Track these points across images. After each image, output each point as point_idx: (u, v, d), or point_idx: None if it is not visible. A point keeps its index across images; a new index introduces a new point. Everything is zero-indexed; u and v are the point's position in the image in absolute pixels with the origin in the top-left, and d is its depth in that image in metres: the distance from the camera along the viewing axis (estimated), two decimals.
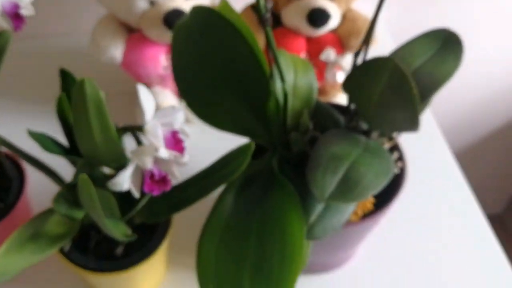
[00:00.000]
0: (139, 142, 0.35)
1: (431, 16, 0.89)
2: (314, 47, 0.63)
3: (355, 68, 0.43)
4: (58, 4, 0.79)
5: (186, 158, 0.34)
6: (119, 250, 0.45)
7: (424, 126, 0.61)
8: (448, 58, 0.47)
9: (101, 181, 0.38)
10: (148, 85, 0.65)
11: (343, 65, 0.64)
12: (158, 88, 0.64)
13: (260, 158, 0.48)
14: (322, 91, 0.67)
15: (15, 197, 0.50)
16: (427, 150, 0.68)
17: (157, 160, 0.34)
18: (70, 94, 0.39)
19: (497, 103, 1.08)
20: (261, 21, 0.38)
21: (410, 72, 0.47)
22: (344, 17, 0.64)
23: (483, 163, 1.26)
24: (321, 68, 0.65)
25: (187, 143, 0.36)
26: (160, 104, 0.63)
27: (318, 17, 0.59)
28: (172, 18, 0.56)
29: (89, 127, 0.32)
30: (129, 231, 0.43)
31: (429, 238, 0.58)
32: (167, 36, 0.58)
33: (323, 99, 0.66)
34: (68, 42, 0.81)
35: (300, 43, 0.63)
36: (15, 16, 0.41)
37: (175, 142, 0.35)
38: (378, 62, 0.40)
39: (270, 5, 0.38)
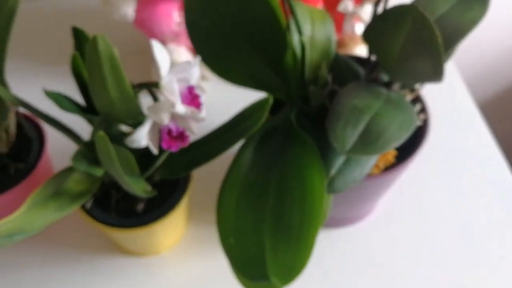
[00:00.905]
0: (155, 99, 0.34)
1: None
2: None
3: (375, 17, 0.42)
4: None
5: (203, 113, 0.34)
6: (140, 207, 0.46)
7: (447, 77, 0.59)
8: (474, 5, 0.44)
9: (119, 139, 0.38)
10: (162, 42, 0.64)
11: (362, 16, 0.62)
12: (172, 45, 0.63)
13: (279, 112, 0.47)
14: (340, 43, 0.65)
15: (36, 158, 0.50)
16: (450, 101, 0.67)
17: (174, 116, 0.34)
18: (84, 52, 0.39)
19: None
20: None
21: (433, 20, 0.45)
22: None
23: (509, 114, 1.23)
24: (339, 20, 0.63)
25: (203, 99, 0.35)
26: (175, 62, 0.62)
27: None
28: None
29: (104, 84, 0.31)
30: (149, 188, 0.43)
31: (452, 193, 0.58)
32: None
33: (342, 52, 0.64)
34: (80, 0, 0.80)
35: None
36: None
37: (192, 97, 0.34)
38: (400, 10, 0.38)
39: None
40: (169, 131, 0.34)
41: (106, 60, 0.30)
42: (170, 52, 0.63)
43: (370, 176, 0.45)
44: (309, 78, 0.48)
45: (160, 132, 0.34)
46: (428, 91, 0.50)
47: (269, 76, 0.45)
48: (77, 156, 0.37)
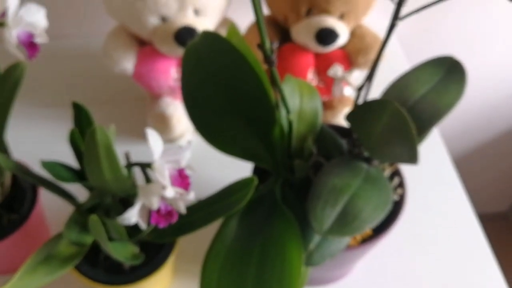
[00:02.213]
0: (147, 177, 0.37)
1: (442, 27, 0.89)
2: (323, 62, 0.64)
3: (358, 106, 0.45)
4: (73, 7, 0.80)
5: (191, 195, 0.36)
6: (127, 265, 0.48)
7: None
8: (451, 88, 0.48)
9: (111, 207, 0.40)
10: (159, 95, 0.66)
11: (350, 81, 0.65)
12: (168, 99, 0.66)
13: (265, 181, 0.49)
14: (329, 105, 0.68)
15: (29, 208, 0.52)
16: (427, 158, 0.69)
17: (164, 196, 0.36)
18: (81, 123, 0.41)
19: (500, 108, 1.09)
20: (267, 62, 0.39)
21: (412, 102, 0.48)
22: (353, 34, 0.64)
23: (489, 164, 1.27)
24: (329, 83, 0.66)
25: (192, 177, 0.38)
26: (171, 115, 0.65)
27: (326, 36, 0.60)
28: (183, 35, 0.58)
29: (100, 167, 0.34)
30: (136, 250, 0.45)
31: (429, 256, 0.60)
32: (178, 51, 0.60)
33: (331, 114, 0.67)
34: (85, 44, 0.83)
35: (308, 58, 0.64)
36: (30, 45, 0.43)
37: (182, 178, 0.37)
38: (380, 103, 0.41)
39: (275, 46, 0.39)
40: (158, 209, 0.36)
41: (103, 148, 0.33)
42: (166, 106, 0.65)
43: (347, 247, 0.47)
44: (296, 148, 0.50)
45: (149, 210, 0.37)
46: None
47: (257, 148, 0.47)
48: (69, 224, 0.39)
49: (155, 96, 0.67)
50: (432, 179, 0.68)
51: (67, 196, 0.44)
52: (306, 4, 0.60)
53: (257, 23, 0.36)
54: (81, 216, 0.41)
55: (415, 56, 0.88)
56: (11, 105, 0.41)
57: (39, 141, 0.70)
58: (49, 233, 0.60)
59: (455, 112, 1.04)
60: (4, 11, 0.43)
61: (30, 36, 0.43)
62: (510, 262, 1.47)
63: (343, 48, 0.65)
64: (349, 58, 0.64)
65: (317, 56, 0.64)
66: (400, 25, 0.86)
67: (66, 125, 0.72)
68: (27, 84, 0.77)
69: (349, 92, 0.68)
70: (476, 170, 1.28)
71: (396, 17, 0.40)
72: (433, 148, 0.72)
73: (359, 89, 0.46)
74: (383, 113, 0.41)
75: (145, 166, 0.36)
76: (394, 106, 0.40)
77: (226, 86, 0.46)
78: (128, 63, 0.62)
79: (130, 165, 0.37)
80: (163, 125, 0.65)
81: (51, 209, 0.57)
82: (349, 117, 0.45)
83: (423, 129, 0.46)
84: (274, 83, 0.42)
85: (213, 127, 0.47)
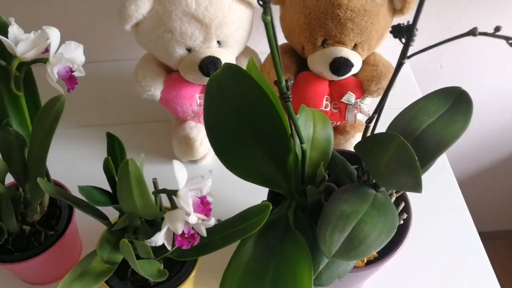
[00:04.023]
0: (172, 203, 0.41)
1: (449, 47, 0.92)
2: (337, 89, 0.68)
3: (366, 137, 0.48)
4: (108, 34, 0.86)
5: (212, 221, 0.40)
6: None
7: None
8: (457, 119, 0.50)
9: (139, 229, 0.45)
10: (184, 119, 0.71)
11: (362, 107, 0.69)
12: (192, 123, 0.70)
13: (280, 204, 0.53)
14: (343, 130, 0.72)
15: (65, 226, 0.57)
16: (433, 180, 0.71)
17: (187, 222, 0.40)
18: (114, 152, 0.46)
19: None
20: (282, 98, 0.43)
21: (420, 130, 0.51)
22: (366, 62, 0.68)
23: (495, 182, 1.28)
24: (343, 109, 0.69)
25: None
26: (195, 138, 0.69)
27: (340, 66, 0.63)
28: (207, 65, 0.62)
29: (131, 195, 0.38)
30: (161, 267, 0.49)
31: (433, 275, 0.63)
32: (202, 79, 0.64)
33: (344, 138, 0.71)
34: (116, 67, 0.88)
35: (323, 86, 0.68)
36: (69, 79, 0.48)
37: (203, 205, 0.41)
38: (386, 136, 0.44)
39: (290, 83, 0.43)
40: (182, 233, 0.40)
41: (134, 178, 0.37)
42: (190, 129, 0.70)
43: (353, 269, 0.50)
44: (309, 174, 0.54)
45: (174, 233, 0.41)
46: None
47: (273, 174, 0.51)
48: (101, 244, 0.43)
49: (180, 120, 0.72)
50: (439, 202, 0.70)
51: (100, 216, 0.48)
52: (322, 36, 0.64)
53: (274, 63, 0.40)
54: (112, 236, 0.46)
55: (427, 82, 0.91)
56: (51, 136, 0.46)
57: (76, 159, 0.75)
58: (82, 248, 0.64)
59: (479, 126, 1.06)
60: (47, 47, 0.48)
61: (69, 71, 0.48)
62: None
63: (356, 75, 0.68)
64: (362, 86, 0.68)
65: (332, 83, 0.68)
66: (411, 50, 0.89)
67: (99, 144, 0.77)
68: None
69: (361, 118, 0.72)
70: (482, 188, 1.29)
71: (403, 57, 0.43)
72: (440, 170, 0.74)
73: (368, 122, 0.49)
74: (389, 145, 0.44)
75: (171, 193, 0.40)
76: (400, 140, 0.43)
77: (245, 115, 0.50)
78: (156, 90, 0.67)
79: (157, 192, 0.41)
80: (187, 147, 0.70)
81: (84, 226, 0.62)
82: (358, 148, 0.49)
83: (428, 159, 0.49)
84: (289, 116, 0.46)
85: (232, 154, 0.51)
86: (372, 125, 0.50)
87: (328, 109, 0.69)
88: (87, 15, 0.83)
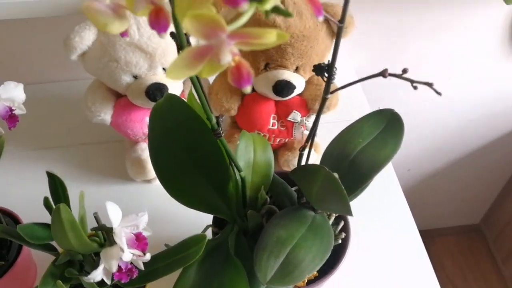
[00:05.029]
0: (110, 239, 0.43)
1: (397, 59, 0.95)
2: (283, 109, 0.70)
3: (298, 167, 0.51)
4: (56, 55, 0.86)
5: (147, 256, 0.42)
6: None
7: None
8: (389, 142, 0.53)
9: (83, 261, 0.47)
10: (135, 141, 0.72)
11: (308, 125, 0.72)
12: (144, 144, 0.72)
13: (222, 229, 0.55)
14: (290, 147, 0.74)
15: (15, 255, 0.58)
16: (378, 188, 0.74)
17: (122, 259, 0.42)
18: (56, 190, 0.47)
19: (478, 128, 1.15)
20: (214, 134, 0.45)
21: (355, 154, 0.54)
22: (310, 81, 0.70)
23: (463, 180, 1.33)
24: (289, 127, 0.72)
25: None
26: (146, 159, 0.71)
27: (283, 88, 0.66)
28: (153, 91, 0.64)
29: (66, 238, 0.40)
30: None
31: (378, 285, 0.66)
32: (150, 105, 0.66)
33: (292, 155, 0.73)
34: (67, 88, 0.89)
35: (269, 106, 0.70)
36: (10, 118, 0.49)
37: (139, 241, 0.43)
38: (313, 168, 0.47)
39: (222, 118, 0.45)
40: (119, 268, 0.42)
41: (68, 223, 0.39)
42: (141, 151, 0.71)
43: None
44: (251, 198, 0.56)
45: None
46: None
47: (215, 201, 0.53)
48: (45, 279, 0.45)
49: (132, 141, 0.73)
50: (383, 211, 0.74)
51: (47, 249, 0.50)
52: (264, 60, 0.66)
53: (201, 104, 0.42)
54: (57, 269, 0.47)
55: (376, 90, 0.94)
56: None
57: (30, 182, 0.76)
58: (37, 273, 0.66)
59: (430, 132, 1.10)
60: None
61: (9, 110, 0.49)
62: (482, 269, 1.54)
63: (301, 94, 0.71)
64: (307, 104, 0.70)
65: (278, 102, 0.70)
66: (357, 61, 0.92)
67: (54, 166, 0.77)
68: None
69: (307, 134, 0.74)
70: (451, 184, 1.34)
71: (326, 92, 0.46)
72: (384, 179, 0.77)
73: (301, 150, 0.51)
74: (317, 176, 0.47)
75: (107, 231, 0.42)
76: (326, 171, 0.46)
77: (187, 145, 0.52)
78: (105, 115, 0.68)
79: (95, 229, 0.43)
80: (139, 168, 0.71)
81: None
82: (292, 174, 0.51)
83: (362, 181, 0.52)
84: (224, 149, 0.48)
85: (175, 182, 0.53)
86: (305, 152, 0.52)
87: (275, 127, 0.72)
88: (39, 35, 0.84)
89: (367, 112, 0.86)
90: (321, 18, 0.25)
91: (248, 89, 0.23)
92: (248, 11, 0.21)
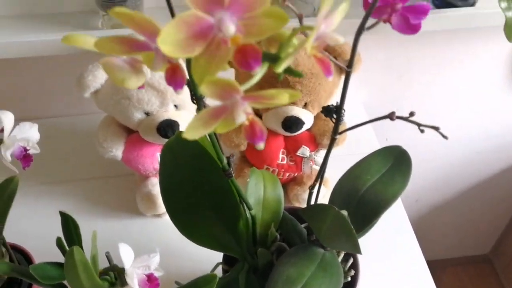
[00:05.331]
0: (121, 280, 0.43)
1: (403, 93, 0.96)
2: (292, 144, 0.71)
3: (308, 206, 0.51)
4: (67, 90, 0.88)
5: None
6: None
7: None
8: (397, 179, 0.54)
9: None
10: (146, 176, 0.73)
11: (317, 160, 0.72)
12: (154, 179, 0.73)
13: (232, 267, 0.56)
14: (299, 181, 0.75)
15: None
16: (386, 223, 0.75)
17: None
18: (69, 230, 0.48)
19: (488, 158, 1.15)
20: (225, 175, 0.46)
21: (363, 191, 0.54)
22: (318, 117, 0.72)
23: (472, 211, 1.33)
24: (298, 161, 0.72)
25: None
26: (157, 194, 0.71)
27: (292, 124, 0.67)
28: (164, 128, 0.65)
29: (79, 279, 0.40)
30: None
31: None
32: (161, 141, 0.67)
33: (301, 189, 0.74)
34: (78, 122, 0.91)
35: (279, 141, 0.71)
36: (24, 158, 0.50)
37: (151, 281, 0.43)
38: (323, 207, 0.48)
39: (233, 158, 0.46)
40: None
41: (81, 265, 0.39)
42: (152, 186, 0.72)
43: None
44: (261, 235, 0.57)
45: None
46: None
47: (225, 239, 0.54)
48: None
49: (142, 176, 0.74)
50: (391, 243, 0.73)
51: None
52: None
53: (214, 147, 0.43)
54: None
55: (384, 125, 0.95)
56: (6, 215, 0.48)
57: (41, 217, 0.77)
58: None
59: (437, 163, 1.11)
60: (2, 128, 0.50)
61: (24, 150, 0.50)
62: None
63: (309, 129, 0.72)
64: (315, 139, 0.71)
65: (287, 137, 0.71)
66: (364, 91, 0.94)
67: (65, 200, 0.78)
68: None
69: (316, 169, 0.75)
70: (459, 214, 1.33)
71: (335, 133, 0.47)
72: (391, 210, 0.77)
73: (311, 188, 0.52)
74: (327, 215, 0.47)
75: (119, 272, 0.43)
76: (335, 211, 0.46)
77: (198, 182, 0.52)
78: (117, 151, 0.69)
79: (107, 270, 0.44)
80: (149, 203, 0.72)
81: None
82: (302, 212, 0.52)
83: (371, 218, 0.52)
84: (235, 188, 0.49)
85: (186, 220, 0.53)
86: (315, 191, 0.53)
87: (284, 162, 0.72)
88: (51, 70, 0.86)
89: (375, 144, 0.89)
90: (330, 78, 0.26)
91: (261, 145, 0.24)
92: (260, 72, 0.22)
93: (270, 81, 0.65)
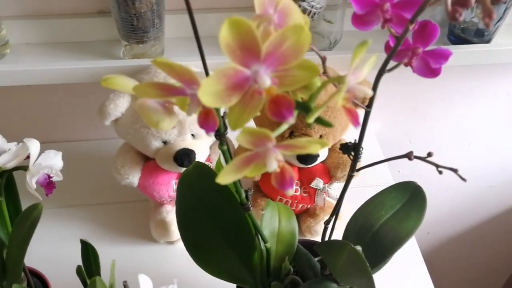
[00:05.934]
0: None
1: (417, 126, 0.97)
2: (306, 175, 0.72)
3: (323, 242, 0.52)
4: (87, 115, 0.90)
5: None
6: None
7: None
8: (412, 216, 0.54)
9: None
10: (161, 203, 0.74)
11: (330, 192, 0.73)
12: (169, 207, 0.74)
13: None
14: (313, 213, 0.75)
15: None
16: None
17: None
18: (88, 258, 0.49)
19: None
20: (244, 208, 0.46)
21: (377, 227, 0.55)
22: (333, 149, 0.72)
23: (485, 245, 1.32)
24: (312, 193, 0.73)
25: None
26: (171, 222, 0.72)
27: (307, 156, 0.68)
28: (181, 156, 0.66)
29: None
30: None
31: None
32: (177, 169, 0.68)
33: (314, 221, 0.74)
34: (96, 147, 0.92)
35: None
36: (48, 185, 0.51)
37: None
38: (338, 243, 0.48)
39: (250, 192, 0.47)
40: None
41: None
42: (166, 213, 0.73)
43: None
44: (275, 268, 0.57)
45: None
46: None
47: (240, 271, 0.54)
48: None
49: (157, 203, 0.75)
50: (402, 277, 0.73)
51: None
52: (289, 129, 0.68)
53: (234, 182, 0.44)
54: None
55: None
56: (29, 241, 0.49)
57: (57, 241, 0.77)
58: None
59: (450, 196, 1.11)
60: (28, 154, 0.52)
61: (47, 177, 0.51)
62: None
63: (324, 162, 0.72)
64: (329, 172, 0.72)
65: (301, 169, 0.72)
66: (377, 124, 0.95)
67: (81, 225, 0.79)
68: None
69: (329, 201, 0.75)
70: (471, 248, 1.32)
71: (352, 170, 0.47)
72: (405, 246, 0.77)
73: (326, 223, 0.52)
74: (342, 251, 0.47)
75: None
76: (351, 248, 0.47)
77: (214, 213, 0.53)
78: (134, 178, 0.70)
79: None
80: (163, 230, 0.73)
81: None
82: (318, 248, 0.52)
83: (385, 255, 0.53)
84: (252, 222, 0.49)
85: (201, 250, 0.54)
86: (330, 226, 0.53)
87: (298, 193, 0.73)
88: (73, 96, 0.88)
89: (387, 176, 0.89)
90: (359, 128, 0.27)
91: (290, 192, 0.25)
92: (290, 121, 0.23)
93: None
